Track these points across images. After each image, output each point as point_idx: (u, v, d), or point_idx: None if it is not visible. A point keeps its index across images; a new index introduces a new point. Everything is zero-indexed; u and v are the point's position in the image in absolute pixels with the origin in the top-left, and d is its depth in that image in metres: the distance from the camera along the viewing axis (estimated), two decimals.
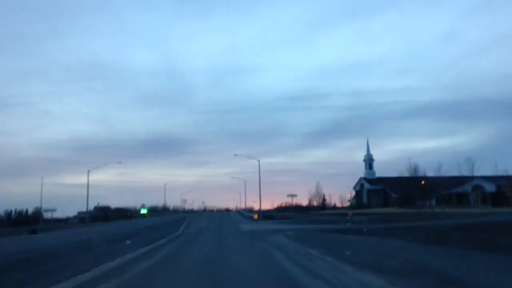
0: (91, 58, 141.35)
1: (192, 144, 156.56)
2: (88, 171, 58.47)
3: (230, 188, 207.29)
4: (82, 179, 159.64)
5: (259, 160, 54.91)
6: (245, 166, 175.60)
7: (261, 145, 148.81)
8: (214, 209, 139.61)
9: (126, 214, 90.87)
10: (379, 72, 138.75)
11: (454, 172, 70.11)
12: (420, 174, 61.21)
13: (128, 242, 19.70)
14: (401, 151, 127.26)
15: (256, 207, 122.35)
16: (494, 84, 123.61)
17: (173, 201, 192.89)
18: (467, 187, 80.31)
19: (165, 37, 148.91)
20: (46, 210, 64.37)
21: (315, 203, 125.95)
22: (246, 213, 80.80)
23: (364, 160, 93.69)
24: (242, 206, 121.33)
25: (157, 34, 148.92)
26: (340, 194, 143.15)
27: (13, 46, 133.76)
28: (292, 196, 58.50)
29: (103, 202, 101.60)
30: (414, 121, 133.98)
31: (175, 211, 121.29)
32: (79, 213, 77.16)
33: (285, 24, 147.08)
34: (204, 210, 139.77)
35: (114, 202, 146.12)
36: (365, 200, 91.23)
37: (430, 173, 63.23)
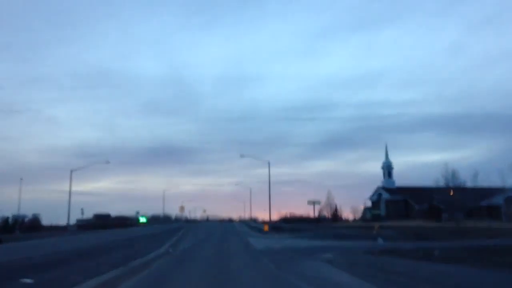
0: (98, 66, 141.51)
1: (196, 153, 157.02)
2: (71, 171, 51.20)
3: (233, 197, 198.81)
4: (86, 186, 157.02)
5: (269, 162, 47.64)
6: (249, 176, 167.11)
7: (265, 155, 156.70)
8: (218, 219, 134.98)
9: (125, 222, 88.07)
10: (385, 84, 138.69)
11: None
12: (459, 183, 53.10)
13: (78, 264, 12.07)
14: (406, 164, 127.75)
15: (261, 217, 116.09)
16: (499, 98, 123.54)
17: (175, 210, 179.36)
18: (498, 199, 72.18)
19: (171, 45, 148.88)
20: (17, 217, 57.24)
21: (325, 214, 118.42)
22: (253, 223, 72.84)
23: (383, 168, 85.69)
24: (246, 216, 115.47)
25: (164, 42, 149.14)
26: (351, 206, 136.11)
27: (20, 52, 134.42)
28: (314, 203, 51.13)
29: (105, 210, 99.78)
30: (419, 133, 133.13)
31: (177, 220, 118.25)
32: (78, 220, 76.24)
33: (292, 34, 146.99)
34: (207, 219, 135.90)
35: (117, 210, 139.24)
36: (383, 211, 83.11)
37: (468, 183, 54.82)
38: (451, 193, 60.93)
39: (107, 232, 50.22)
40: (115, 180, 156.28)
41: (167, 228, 55.84)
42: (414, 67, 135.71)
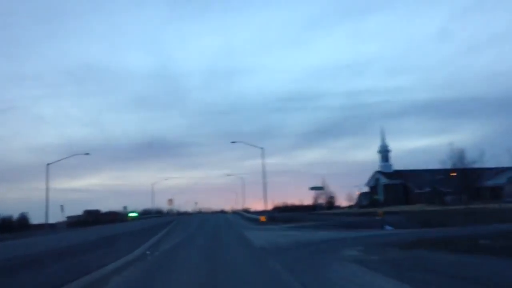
0: (85, 61, 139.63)
1: (186, 146, 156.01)
2: (48, 164, 46.84)
3: (224, 189, 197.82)
4: (76, 183, 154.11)
5: (262, 148, 43.92)
6: (241, 167, 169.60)
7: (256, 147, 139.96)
8: (210, 211, 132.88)
9: (115, 217, 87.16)
10: (373, 72, 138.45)
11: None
12: (467, 163, 49.88)
13: None
14: (395, 150, 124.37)
15: (254, 208, 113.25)
16: (486, 82, 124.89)
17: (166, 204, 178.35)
18: (501, 179, 69.62)
19: (159, 39, 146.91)
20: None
21: (321, 202, 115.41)
22: (247, 214, 69.08)
23: (379, 152, 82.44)
24: (239, 207, 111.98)
25: (151, 36, 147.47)
26: (345, 193, 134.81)
27: (5, 49, 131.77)
28: (318, 189, 47.79)
29: (96, 207, 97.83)
30: (408, 120, 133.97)
31: (169, 213, 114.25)
32: (68, 217, 74.41)
33: (279, 25, 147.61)
34: (199, 212, 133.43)
35: (109, 206, 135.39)
36: (381, 196, 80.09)
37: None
38: (454, 175, 57.86)
39: (92, 229, 46.94)
40: (105, 176, 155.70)
41: (156, 222, 52.98)
42: (402, 53, 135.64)
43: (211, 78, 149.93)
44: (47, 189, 46.77)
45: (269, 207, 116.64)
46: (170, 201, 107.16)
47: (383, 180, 79.92)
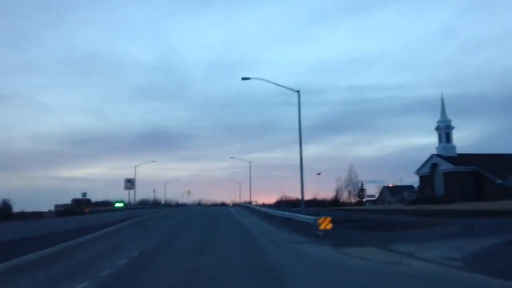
0: (88, 51, 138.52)
1: (188, 138, 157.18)
2: None
3: (226, 182, 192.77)
4: (77, 173, 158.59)
5: (298, 91, 24.58)
6: (242, 161, 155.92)
7: (257, 140, 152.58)
8: (210, 203, 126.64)
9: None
10: (377, 68, 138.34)
11: None
12: None
13: None
14: (398, 146, 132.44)
15: (261, 201, 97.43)
16: (490, 80, 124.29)
17: (169, 195, 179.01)
18: None
19: (162, 30, 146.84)
20: None
21: (342, 195, 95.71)
22: (263, 208, 48.65)
23: (437, 129, 61.82)
24: (240, 199, 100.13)
25: (154, 27, 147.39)
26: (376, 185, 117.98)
27: (8, 38, 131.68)
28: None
29: (94, 196, 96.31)
30: (411, 116, 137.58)
31: (167, 205, 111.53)
32: (56, 206, 72.94)
33: (283, 19, 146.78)
34: (199, 204, 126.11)
35: (111, 195, 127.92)
36: (439, 189, 59.67)
37: None
38: None
39: (62, 220, 38.14)
40: (106, 166, 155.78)
41: (140, 214, 42.03)
42: (406, 50, 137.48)
43: (214, 71, 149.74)
44: None
45: (271, 201, 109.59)
46: (188, 192, 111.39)
47: (445, 166, 59.18)
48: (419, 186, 69.30)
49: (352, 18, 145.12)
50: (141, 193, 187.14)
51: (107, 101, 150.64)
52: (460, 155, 59.97)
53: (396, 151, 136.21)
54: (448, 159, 58.94)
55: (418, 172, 65.24)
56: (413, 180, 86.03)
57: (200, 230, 21.84)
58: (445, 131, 61.12)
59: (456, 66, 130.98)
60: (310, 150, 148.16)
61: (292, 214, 24.46)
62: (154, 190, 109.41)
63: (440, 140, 61.76)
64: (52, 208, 74.52)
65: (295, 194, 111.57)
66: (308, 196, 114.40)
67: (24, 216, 52.97)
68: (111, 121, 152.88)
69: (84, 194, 55.61)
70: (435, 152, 62.04)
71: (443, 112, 62.11)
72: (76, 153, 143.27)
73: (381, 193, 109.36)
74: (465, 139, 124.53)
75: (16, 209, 60.72)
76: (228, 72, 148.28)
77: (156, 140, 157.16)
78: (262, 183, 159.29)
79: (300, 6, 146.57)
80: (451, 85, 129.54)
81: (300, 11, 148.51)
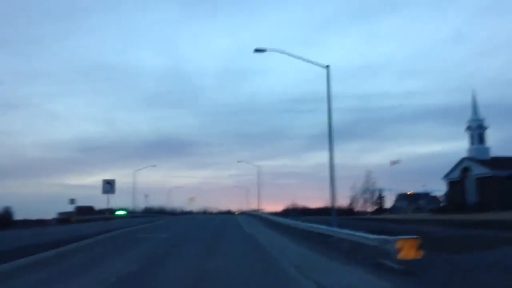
0: (97, 59, 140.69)
1: (196, 146, 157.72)
2: None
3: (233, 189, 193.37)
4: (86, 180, 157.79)
5: (327, 66, 19.29)
6: (249, 169, 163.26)
7: (266, 147, 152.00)
8: (216, 212, 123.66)
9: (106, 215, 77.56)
10: (386, 75, 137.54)
11: None
12: None
13: None
14: (408, 154, 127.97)
15: (268, 209, 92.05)
16: (501, 87, 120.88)
17: (176, 203, 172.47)
18: None
19: (171, 38, 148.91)
20: None
21: (359, 204, 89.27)
22: (275, 217, 42.47)
23: (468, 129, 55.68)
24: (247, 207, 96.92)
25: (163, 35, 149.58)
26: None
27: (19, 47, 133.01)
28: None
29: (102, 204, 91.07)
30: (420, 124, 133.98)
31: (172, 213, 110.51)
32: (59, 213, 70.47)
33: (292, 26, 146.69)
34: (204, 212, 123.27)
35: (118, 203, 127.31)
36: (471, 196, 53.31)
37: None
38: None
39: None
40: (115, 173, 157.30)
41: (132, 224, 39.17)
42: (416, 56, 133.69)
43: (223, 78, 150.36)
44: None
45: (279, 208, 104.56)
46: (191, 199, 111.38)
47: (478, 170, 52.86)
48: (446, 193, 62.77)
49: (361, 24, 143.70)
50: (147, 200, 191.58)
51: (117, 109, 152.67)
52: (493, 158, 53.61)
53: (406, 159, 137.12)
54: (482, 162, 52.61)
55: (446, 177, 58.80)
56: (431, 188, 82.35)
57: (196, 253, 15.45)
58: (477, 131, 54.77)
59: (467, 72, 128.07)
60: (318, 157, 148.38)
61: (325, 228, 17.54)
62: (145, 196, 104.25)
63: (471, 142, 55.50)
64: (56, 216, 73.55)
65: (302, 202, 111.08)
66: (318, 204, 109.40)
67: (25, 224, 51.99)
68: (120, 128, 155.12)
69: (72, 201, 49.31)
70: (466, 154, 55.71)
71: (475, 110, 55.88)
72: (86, 161, 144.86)
73: (396, 201, 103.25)
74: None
75: (21, 216, 60.63)
76: (237, 79, 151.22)
77: (165, 148, 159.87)
78: (269, 191, 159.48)
79: (308, 13, 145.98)
80: (461, 91, 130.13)
81: (308, 18, 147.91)
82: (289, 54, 21.96)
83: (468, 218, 37.06)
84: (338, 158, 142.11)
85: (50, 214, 69.58)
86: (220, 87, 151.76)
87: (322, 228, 17.95)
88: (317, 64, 21.83)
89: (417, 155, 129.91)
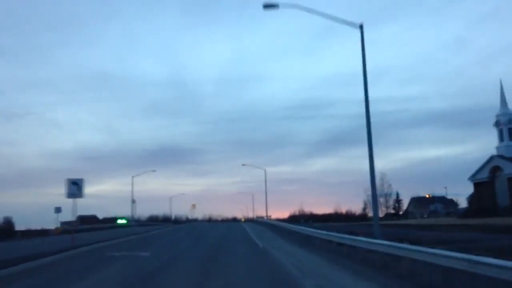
0: (98, 68, 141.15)
1: (198, 154, 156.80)
2: None
3: (237, 196, 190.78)
4: (89, 189, 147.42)
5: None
6: (252, 175, 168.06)
7: (267, 154, 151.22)
8: (221, 219, 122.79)
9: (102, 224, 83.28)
10: (386, 81, 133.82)
11: None
12: None
13: None
14: (409, 159, 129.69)
15: (274, 215, 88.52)
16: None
17: (179, 211, 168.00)
18: None
19: (172, 46, 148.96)
20: None
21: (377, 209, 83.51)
22: (288, 225, 36.60)
23: (497, 124, 50.22)
24: (257, 213, 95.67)
25: (164, 43, 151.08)
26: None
27: (21, 56, 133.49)
28: None
29: (108, 213, 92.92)
30: (422, 129, 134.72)
31: (177, 221, 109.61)
32: (62, 223, 66.26)
33: (292, 33, 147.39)
34: (209, 220, 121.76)
35: (119, 212, 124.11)
36: (503, 198, 47.71)
37: None
38: None
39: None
40: (118, 182, 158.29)
41: (121, 235, 35.61)
42: (416, 62, 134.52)
43: (223, 86, 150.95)
44: None
45: (284, 215, 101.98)
46: (193, 206, 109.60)
47: (510, 170, 47.31)
48: (472, 195, 57.05)
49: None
50: (152, 208, 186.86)
51: (118, 117, 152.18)
52: None
53: (409, 164, 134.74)
54: None
55: (473, 178, 53.16)
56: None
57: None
58: (507, 126, 49.37)
59: (467, 78, 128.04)
60: (321, 163, 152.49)
61: (382, 244, 11.10)
62: (133, 201, 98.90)
63: (501, 138, 49.96)
64: (59, 226, 70.21)
65: (307, 208, 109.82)
66: (325, 210, 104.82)
67: (25, 234, 50.28)
68: (122, 137, 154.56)
69: (58, 209, 44.15)
70: (495, 152, 50.13)
71: (504, 103, 50.52)
72: (88, 170, 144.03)
73: (409, 205, 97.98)
74: (475, 152, 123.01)
75: (23, 226, 58.85)
76: (237, 87, 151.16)
77: (167, 156, 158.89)
78: (273, 197, 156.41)
79: (307, 20, 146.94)
80: (461, 97, 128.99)
81: (307, 25, 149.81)
82: (309, 11, 16.68)
83: (503, 223, 31.71)
84: (343, 164, 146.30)
85: (51, 224, 65.77)
86: (221, 94, 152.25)
87: (377, 243, 12.01)
88: (347, 23, 16.53)
89: (421, 160, 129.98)
